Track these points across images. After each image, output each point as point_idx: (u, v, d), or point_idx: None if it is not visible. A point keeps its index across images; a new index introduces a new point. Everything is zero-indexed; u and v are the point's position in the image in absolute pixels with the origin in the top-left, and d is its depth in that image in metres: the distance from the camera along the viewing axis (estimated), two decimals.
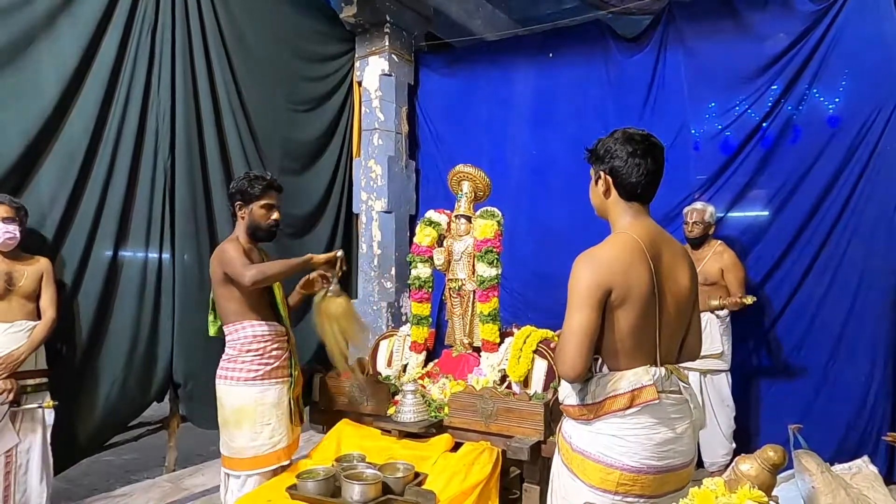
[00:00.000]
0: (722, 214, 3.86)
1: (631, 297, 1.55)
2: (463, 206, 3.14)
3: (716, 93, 3.92)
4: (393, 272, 4.63)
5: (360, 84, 4.81)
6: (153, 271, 3.56)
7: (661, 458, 1.56)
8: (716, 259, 3.60)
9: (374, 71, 4.71)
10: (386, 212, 4.64)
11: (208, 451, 4.12)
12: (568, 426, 1.68)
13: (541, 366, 2.77)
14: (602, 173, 1.69)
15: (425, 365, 3.19)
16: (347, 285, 4.82)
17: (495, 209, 3.06)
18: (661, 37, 4.07)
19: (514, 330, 2.99)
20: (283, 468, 2.45)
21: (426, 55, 5.08)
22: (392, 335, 3.33)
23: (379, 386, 2.85)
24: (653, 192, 1.67)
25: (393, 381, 2.99)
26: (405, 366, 3.20)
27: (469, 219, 3.12)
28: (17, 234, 2.80)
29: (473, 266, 3.04)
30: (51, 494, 2.96)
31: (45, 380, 2.91)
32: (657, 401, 1.54)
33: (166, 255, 3.61)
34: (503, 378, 2.87)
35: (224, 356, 2.50)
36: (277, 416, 2.45)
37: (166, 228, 3.60)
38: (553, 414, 2.47)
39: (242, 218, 2.55)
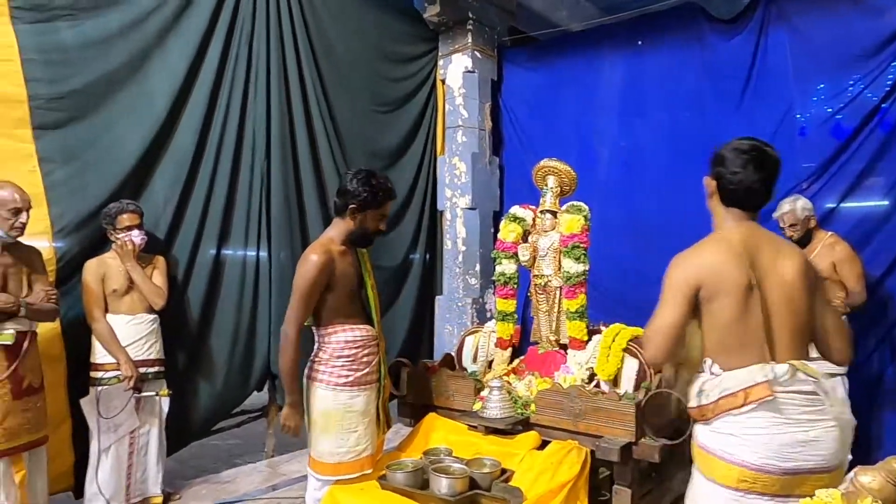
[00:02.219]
0: (834, 205, 3.54)
1: (722, 292, 1.60)
2: (548, 201, 3.09)
3: (825, 73, 3.61)
4: (477, 268, 4.64)
5: (443, 82, 4.85)
6: (251, 269, 3.79)
7: (787, 459, 1.54)
8: (827, 252, 3.30)
9: (457, 68, 4.74)
10: (470, 208, 4.66)
11: (304, 439, 4.32)
12: (695, 426, 1.75)
13: (631, 365, 2.68)
14: (709, 176, 1.79)
15: (511, 361, 3.17)
16: (433, 281, 4.90)
17: (582, 204, 2.98)
18: (763, 16, 3.80)
19: (603, 327, 2.90)
20: (366, 477, 2.36)
21: (509, 50, 5.04)
22: (477, 331, 3.34)
23: (464, 381, 2.86)
24: (757, 202, 1.72)
25: (478, 377, 3.00)
26: (490, 362, 3.20)
27: (555, 214, 3.06)
28: (144, 238, 3.08)
29: (559, 262, 2.98)
30: (164, 473, 3.24)
31: (161, 369, 3.18)
32: (770, 397, 1.53)
33: (263, 254, 3.83)
34: (591, 376, 2.80)
35: (314, 357, 2.44)
36: (364, 424, 2.38)
37: (263, 228, 3.82)
38: (645, 415, 2.38)
39: (351, 220, 2.41)
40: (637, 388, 2.62)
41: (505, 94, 4.97)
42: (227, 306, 3.69)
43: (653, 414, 2.40)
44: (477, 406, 2.73)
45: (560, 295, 3.00)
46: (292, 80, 3.96)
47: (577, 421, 2.49)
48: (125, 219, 3.04)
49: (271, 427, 4.06)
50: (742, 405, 1.55)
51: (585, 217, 2.92)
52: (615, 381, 2.69)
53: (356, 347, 2.40)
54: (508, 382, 2.87)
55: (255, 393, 3.90)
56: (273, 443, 4.08)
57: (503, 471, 2.26)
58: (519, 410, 2.65)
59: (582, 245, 2.88)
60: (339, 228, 2.44)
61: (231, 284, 3.71)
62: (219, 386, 3.65)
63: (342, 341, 2.38)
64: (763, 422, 1.55)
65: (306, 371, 2.44)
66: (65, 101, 3.05)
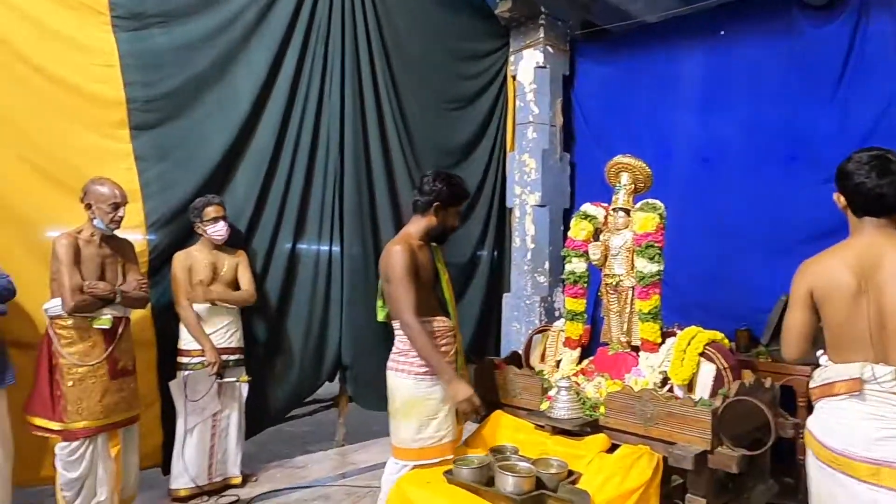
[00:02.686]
0: None
1: (830, 298, 1.78)
2: (621, 198, 3.01)
3: None
4: (546, 266, 4.59)
5: (514, 78, 4.81)
6: (324, 263, 3.91)
7: (870, 450, 1.66)
8: None
9: (528, 64, 4.69)
10: (540, 206, 4.61)
11: (372, 430, 4.43)
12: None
13: (708, 370, 2.56)
14: (837, 192, 1.88)
15: (579, 362, 3.11)
16: (500, 279, 4.88)
17: (657, 201, 2.88)
18: (862, 1, 3.52)
19: (677, 330, 2.79)
20: (447, 462, 2.44)
21: (582, 44, 4.93)
22: (546, 330, 3.30)
23: (532, 380, 2.84)
24: (887, 206, 1.77)
25: (546, 377, 2.97)
26: (558, 361, 3.16)
27: (628, 212, 2.97)
28: (228, 230, 3.26)
29: (632, 261, 2.90)
30: (243, 456, 3.41)
31: (241, 357, 3.36)
32: (858, 392, 1.69)
33: (336, 248, 3.94)
34: (664, 380, 2.70)
35: (394, 349, 2.56)
36: (444, 412, 2.47)
37: (336, 224, 3.94)
38: (722, 423, 2.28)
39: (433, 217, 2.54)
40: (714, 394, 2.50)
41: (577, 89, 4.87)
42: (301, 299, 3.84)
43: (731, 422, 2.29)
44: (544, 405, 2.70)
45: (632, 295, 2.91)
46: (365, 79, 4.06)
47: (648, 426, 2.41)
48: (211, 211, 3.22)
49: (342, 416, 4.19)
50: (834, 394, 1.75)
51: (661, 215, 2.82)
52: (690, 387, 2.59)
53: (434, 338, 2.48)
54: (577, 383, 2.82)
55: (326, 383, 4.04)
56: (343, 432, 4.21)
57: (570, 472, 2.22)
58: (587, 412, 2.60)
59: (657, 244, 2.78)
60: (418, 225, 2.56)
61: (305, 278, 3.86)
62: (293, 375, 3.81)
63: None
64: (850, 413, 1.72)
65: (388, 363, 2.56)
66: (158, 102, 3.26)
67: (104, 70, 3.10)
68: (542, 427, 2.61)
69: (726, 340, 2.74)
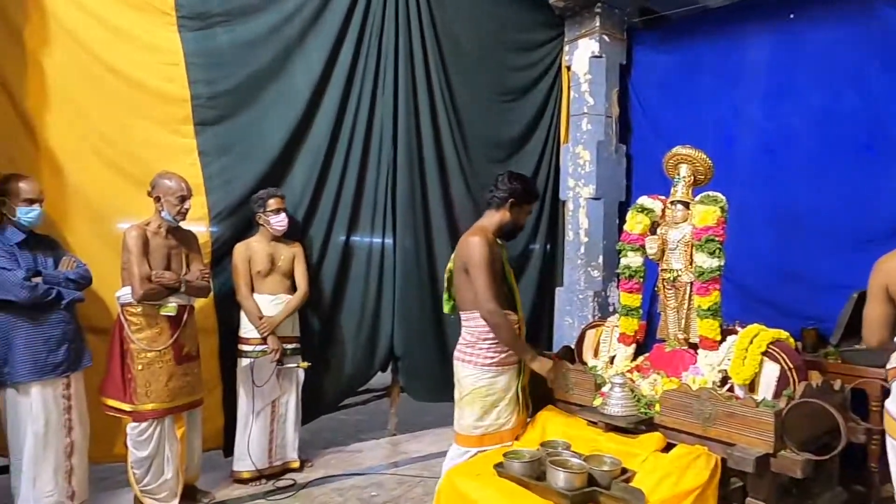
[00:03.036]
0: None
1: None
2: (680, 190, 2.91)
3: None
4: (600, 260, 4.50)
5: (568, 68, 4.72)
6: (377, 255, 3.97)
7: None
8: None
9: (583, 54, 4.59)
10: (594, 198, 4.52)
11: (423, 420, 4.48)
12: None
13: (772, 369, 2.46)
14: None
15: (634, 358, 3.05)
16: (553, 273, 4.83)
17: (718, 194, 2.77)
18: None
19: (738, 328, 2.69)
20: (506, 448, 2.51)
21: (640, 32, 4.78)
22: (599, 325, 3.24)
23: (585, 376, 2.80)
24: None
25: (599, 373, 2.92)
26: (612, 357, 3.10)
27: (687, 205, 2.88)
28: (288, 222, 3.35)
29: (691, 256, 2.81)
30: (299, 442, 3.52)
31: (298, 345, 3.46)
32: None
33: (388, 241, 4.00)
34: (724, 379, 2.61)
35: (462, 340, 2.64)
36: (506, 401, 2.58)
37: (388, 216, 3.98)
38: (787, 425, 2.18)
39: (507, 212, 2.63)
40: (777, 395, 2.40)
41: (634, 78, 4.73)
42: (354, 290, 3.92)
43: (796, 425, 2.19)
44: (597, 402, 2.66)
45: (691, 291, 2.82)
46: (418, 73, 4.07)
47: (706, 426, 2.34)
48: (273, 203, 3.32)
49: (394, 406, 4.25)
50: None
51: (722, 208, 2.71)
52: (751, 387, 2.49)
53: None
54: (631, 380, 2.76)
55: (379, 373, 4.10)
56: (395, 422, 4.28)
57: (624, 470, 2.18)
58: (642, 409, 2.55)
59: (717, 238, 2.68)
60: (491, 220, 2.66)
61: (358, 270, 3.93)
62: (346, 365, 3.89)
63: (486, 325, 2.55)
64: None
65: (455, 353, 2.63)
66: (220, 99, 3.38)
67: (170, 69, 3.23)
68: (594, 423, 2.58)
69: (791, 340, 2.62)
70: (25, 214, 2.61)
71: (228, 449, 3.41)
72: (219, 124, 3.39)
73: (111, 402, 2.82)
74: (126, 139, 3.12)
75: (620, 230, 3.14)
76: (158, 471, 2.88)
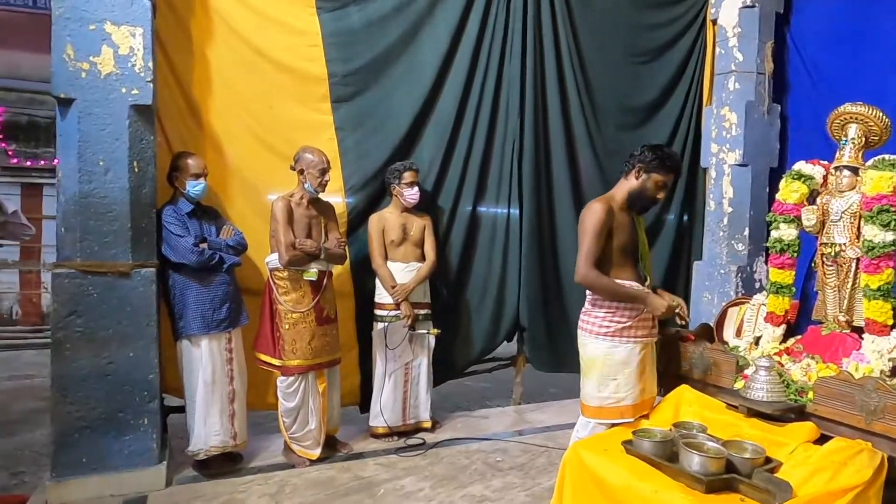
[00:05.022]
0: None
1: None
2: (847, 154, 2.58)
3: None
4: (746, 233, 4.13)
5: (713, 23, 4.31)
6: (502, 225, 3.98)
7: None
8: None
9: (732, 4, 4.15)
10: (741, 165, 4.13)
11: (549, 392, 4.47)
12: None
13: None
14: None
15: (784, 340, 2.79)
16: (688, 245, 4.53)
17: (895, 157, 2.41)
18: None
19: None
20: (627, 424, 2.43)
21: None
22: (743, 303, 3.01)
23: (725, 356, 2.61)
24: None
25: (742, 354, 2.71)
26: (758, 338, 2.86)
27: (856, 170, 2.54)
28: (420, 194, 3.46)
29: (858, 228, 2.48)
30: (430, 404, 3.68)
31: (429, 311, 3.60)
32: None
33: (514, 211, 3.97)
34: (895, 369, 2.30)
35: (584, 307, 2.57)
36: (625, 375, 2.43)
37: (514, 187, 3.95)
38: None
39: (635, 179, 2.49)
40: None
41: (794, 28, 4.20)
42: (480, 260, 3.97)
43: None
44: (739, 385, 2.48)
45: (857, 268, 2.51)
46: (546, 39, 3.95)
47: (871, 419, 2.09)
48: (408, 176, 3.45)
49: (518, 376, 4.29)
50: None
51: None
52: None
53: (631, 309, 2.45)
54: (780, 363, 2.53)
55: (505, 343, 4.15)
56: (520, 391, 4.31)
57: (768, 459, 2.01)
58: (792, 396, 2.33)
59: (892, 208, 2.34)
60: (622, 188, 2.55)
61: (484, 240, 3.97)
62: (473, 333, 3.98)
63: None
64: None
65: (578, 320, 2.57)
66: (354, 76, 3.53)
67: (310, 50, 3.43)
68: (734, 407, 2.41)
69: None
70: (193, 187, 2.95)
71: (364, 405, 3.65)
72: (353, 100, 3.54)
73: (263, 357, 3.14)
74: (273, 118, 3.38)
75: (770, 199, 2.85)
76: (304, 421, 3.16)
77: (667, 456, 2.09)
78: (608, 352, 2.44)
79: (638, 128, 4.26)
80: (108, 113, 2.72)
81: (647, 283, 2.55)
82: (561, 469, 2.33)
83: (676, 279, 4.51)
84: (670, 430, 2.26)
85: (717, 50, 4.29)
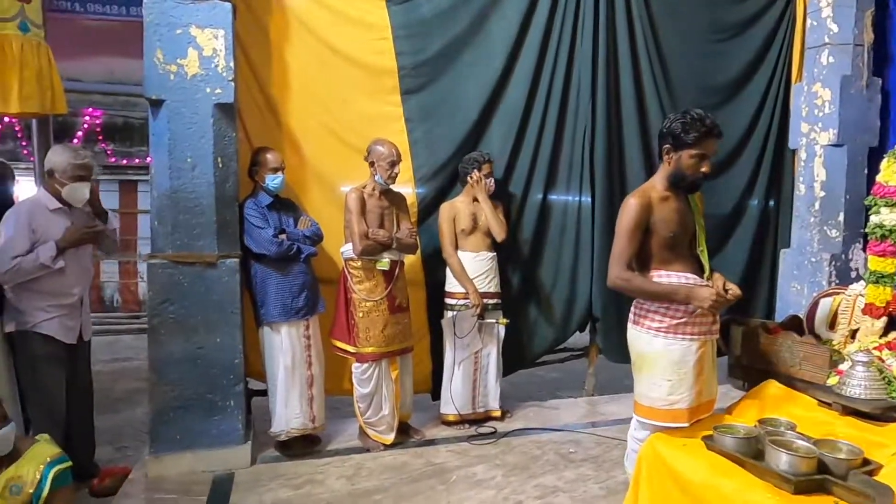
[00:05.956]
0: None
1: None
2: None
3: None
4: (840, 218, 3.84)
5: None
6: (573, 213, 3.90)
7: None
8: None
9: None
10: (835, 145, 3.84)
11: (623, 384, 4.36)
12: None
13: None
14: None
15: (884, 333, 2.58)
16: (773, 231, 4.28)
17: None
18: None
19: None
20: (681, 430, 2.24)
21: None
22: (837, 293, 2.81)
23: (818, 350, 2.45)
24: None
25: (836, 347, 2.53)
26: (854, 331, 2.67)
27: None
28: (493, 185, 3.48)
29: None
30: (501, 392, 3.68)
31: (499, 301, 3.59)
32: None
33: (586, 199, 3.88)
34: None
35: (636, 300, 2.39)
36: (680, 375, 2.23)
37: (585, 174, 3.86)
38: None
39: (668, 163, 2.27)
40: None
41: None
42: (551, 249, 3.91)
43: None
44: (832, 381, 2.32)
45: None
46: (619, 20, 3.82)
47: None
48: (486, 166, 3.46)
49: (591, 367, 4.21)
50: None
51: None
52: None
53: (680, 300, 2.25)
54: (880, 358, 2.35)
55: (578, 333, 4.08)
56: (593, 382, 4.23)
57: (866, 461, 1.88)
58: (893, 394, 2.16)
59: None
60: (661, 173, 2.34)
61: (556, 228, 3.90)
62: (544, 322, 3.94)
63: None
64: None
65: (630, 314, 2.42)
66: (423, 68, 3.55)
67: (380, 43, 3.47)
68: (827, 405, 2.26)
69: None
70: (272, 181, 3.08)
71: (436, 393, 3.71)
72: (422, 91, 3.57)
73: (339, 344, 3.25)
74: (346, 112, 3.46)
75: (870, 182, 2.64)
76: (378, 406, 3.25)
77: (751, 454, 1.99)
78: (662, 350, 2.25)
79: (718, 108, 4.04)
80: (193, 112, 2.89)
81: (706, 273, 2.33)
82: (637, 463, 2.27)
83: (760, 269, 4.28)
84: (755, 426, 2.15)
85: (809, 22, 4.00)
